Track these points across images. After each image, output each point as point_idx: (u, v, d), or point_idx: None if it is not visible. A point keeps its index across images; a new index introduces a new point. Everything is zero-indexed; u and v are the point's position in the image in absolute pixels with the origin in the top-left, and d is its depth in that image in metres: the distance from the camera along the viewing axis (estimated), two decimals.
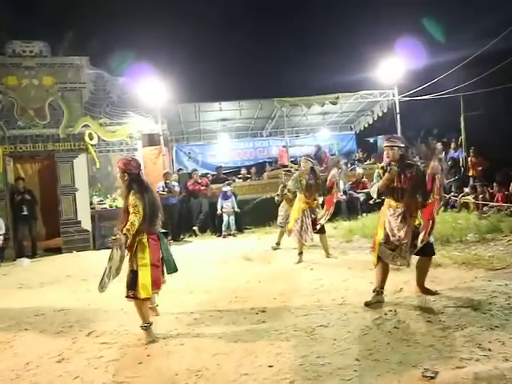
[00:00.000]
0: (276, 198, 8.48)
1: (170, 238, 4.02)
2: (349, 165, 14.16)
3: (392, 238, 4.06)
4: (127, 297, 3.69)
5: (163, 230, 3.98)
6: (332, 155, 15.49)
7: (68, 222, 10.05)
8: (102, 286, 3.61)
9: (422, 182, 3.98)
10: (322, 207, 6.83)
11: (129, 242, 3.58)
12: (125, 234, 3.52)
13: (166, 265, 3.87)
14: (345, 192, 11.13)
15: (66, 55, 11.09)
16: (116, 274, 3.65)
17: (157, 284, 3.74)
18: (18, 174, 10.38)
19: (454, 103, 12.72)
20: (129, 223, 3.57)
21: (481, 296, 4.02)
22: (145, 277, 3.64)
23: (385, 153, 4.16)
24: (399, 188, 4.07)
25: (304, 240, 6.46)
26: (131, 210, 3.62)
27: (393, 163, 4.11)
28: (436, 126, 14.72)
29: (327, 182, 6.35)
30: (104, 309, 4.68)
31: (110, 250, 3.63)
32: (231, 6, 20.24)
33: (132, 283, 3.66)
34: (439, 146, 4.29)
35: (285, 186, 8.17)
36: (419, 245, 3.98)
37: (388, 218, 4.12)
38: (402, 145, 4.13)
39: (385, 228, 4.13)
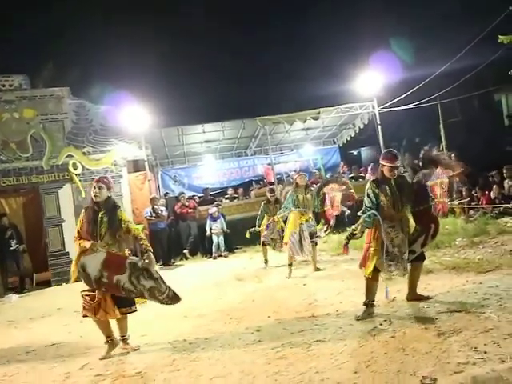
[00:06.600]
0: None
1: None
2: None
3: (391, 249, 4.07)
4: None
5: None
6: (317, 170, 15.65)
7: (56, 254, 9.91)
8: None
9: (411, 190, 4.23)
10: (318, 221, 6.97)
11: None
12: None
13: None
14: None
15: (46, 87, 11.09)
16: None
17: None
18: (3, 209, 10.21)
19: (433, 112, 13.00)
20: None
21: (473, 299, 4.05)
22: None
23: (386, 170, 4.16)
24: (398, 199, 4.16)
25: (300, 254, 6.53)
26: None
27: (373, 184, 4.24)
28: (417, 134, 14.99)
29: (322, 197, 6.57)
30: (97, 340, 4.57)
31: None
32: (206, 26, 20.61)
33: None
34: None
35: (267, 203, 8.13)
36: (419, 250, 4.17)
37: (386, 229, 4.12)
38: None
39: (381, 239, 4.11)
